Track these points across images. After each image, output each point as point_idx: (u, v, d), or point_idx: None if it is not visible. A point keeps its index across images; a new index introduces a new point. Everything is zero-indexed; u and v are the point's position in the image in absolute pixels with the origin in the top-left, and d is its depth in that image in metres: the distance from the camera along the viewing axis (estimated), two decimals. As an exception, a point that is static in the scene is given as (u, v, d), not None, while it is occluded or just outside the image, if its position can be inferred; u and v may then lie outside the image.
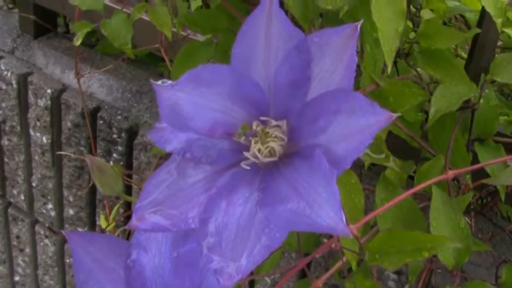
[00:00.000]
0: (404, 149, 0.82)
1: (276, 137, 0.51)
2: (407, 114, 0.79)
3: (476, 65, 0.83)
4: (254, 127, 0.52)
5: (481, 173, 0.80)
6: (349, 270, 0.76)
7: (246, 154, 0.52)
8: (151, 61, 1.40)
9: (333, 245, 0.65)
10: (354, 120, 0.48)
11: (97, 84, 1.27)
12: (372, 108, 0.47)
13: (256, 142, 0.52)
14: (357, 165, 0.98)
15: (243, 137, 0.52)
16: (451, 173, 0.70)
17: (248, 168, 0.52)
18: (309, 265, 1.00)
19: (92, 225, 1.38)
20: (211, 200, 0.51)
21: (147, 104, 1.21)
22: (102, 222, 1.14)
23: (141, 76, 1.27)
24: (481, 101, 0.80)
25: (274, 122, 0.52)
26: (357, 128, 0.47)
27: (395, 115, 0.46)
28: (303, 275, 1.05)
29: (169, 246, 0.56)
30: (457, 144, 0.76)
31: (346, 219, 0.45)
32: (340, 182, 0.68)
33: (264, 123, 0.52)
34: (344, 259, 0.72)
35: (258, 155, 0.51)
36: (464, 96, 0.77)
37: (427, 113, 0.81)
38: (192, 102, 0.50)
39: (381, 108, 0.46)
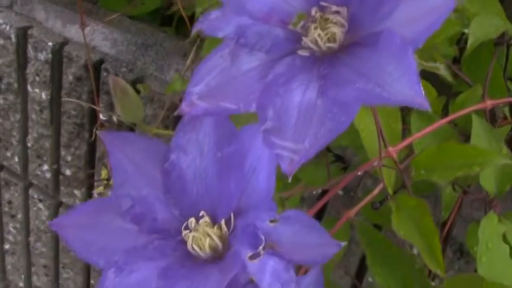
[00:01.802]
0: (435, 85, 0.80)
1: (336, 22, 0.48)
2: (440, 46, 0.77)
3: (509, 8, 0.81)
4: (313, 13, 0.49)
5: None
6: (381, 202, 0.73)
7: (304, 40, 0.49)
8: (154, 20, 1.37)
9: (375, 163, 0.63)
10: (423, 0, 0.45)
11: (100, 37, 1.23)
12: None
13: (315, 28, 0.49)
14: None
15: (300, 25, 0.49)
16: (489, 103, 0.68)
17: (306, 54, 0.49)
18: (323, 212, 0.97)
19: (90, 186, 1.33)
20: (269, 86, 0.48)
21: (152, 57, 1.18)
22: (102, 174, 1.11)
23: (146, 30, 1.23)
24: (516, 36, 0.78)
25: (334, 8, 0.49)
26: (428, 8, 0.45)
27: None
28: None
29: (212, 146, 0.53)
30: (495, 75, 0.74)
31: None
32: (378, 108, 0.65)
33: (322, 9, 0.49)
34: (376, 191, 0.69)
35: (318, 39, 0.48)
36: (502, 28, 0.75)
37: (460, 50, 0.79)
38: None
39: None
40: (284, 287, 0.48)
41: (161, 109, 1.11)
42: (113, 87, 0.69)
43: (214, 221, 0.53)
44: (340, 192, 0.95)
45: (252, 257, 0.48)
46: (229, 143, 0.52)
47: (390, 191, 0.65)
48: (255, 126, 0.50)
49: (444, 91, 0.81)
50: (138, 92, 1.02)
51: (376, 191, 0.68)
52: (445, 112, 0.79)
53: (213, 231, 0.52)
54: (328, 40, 0.48)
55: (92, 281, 1.47)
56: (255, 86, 0.48)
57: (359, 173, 0.62)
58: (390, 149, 0.63)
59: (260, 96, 0.47)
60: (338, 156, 0.84)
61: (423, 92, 0.42)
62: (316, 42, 0.48)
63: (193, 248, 0.52)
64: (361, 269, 0.99)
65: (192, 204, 0.53)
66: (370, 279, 0.98)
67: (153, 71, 1.16)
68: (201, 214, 0.53)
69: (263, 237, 0.48)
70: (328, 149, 0.84)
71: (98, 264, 0.53)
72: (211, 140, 0.53)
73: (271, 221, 0.49)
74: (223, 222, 0.52)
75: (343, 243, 0.47)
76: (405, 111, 0.75)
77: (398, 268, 0.65)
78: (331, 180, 0.73)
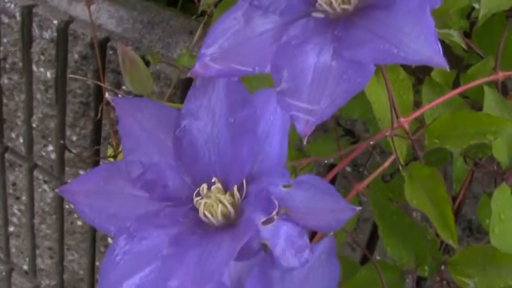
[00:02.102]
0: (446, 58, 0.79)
1: (351, -16, 0.48)
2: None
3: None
4: (328, -25, 0.48)
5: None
6: (391, 175, 0.73)
7: (319, 2, 0.48)
8: (159, 0, 1.36)
9: (387, 133, 0.62)
10: None
11: (106, 16, 1.22)
12: None
13: (330, -11, 0.48)
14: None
15: (314, -13, 0.49)
16: (501, 75, 0.67)
17: (321, 17, 0.48)
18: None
19: (96, 165, 1.33)
20: (283, 48, 0.47)
21: (159, 35, 1.17)
22: (109, 152, 1.10)
23: (152, 7, 1.22)
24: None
25: (349, -31, 0.48)
26: None
27: None
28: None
29: (225, 111, 0.52)
30: (507, 47, 0.73)
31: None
32: (388, 79, 0.64)
33: (337, -29, 0.48)
34: (386, 164, 0.68)
35: (333, 1, 0.47)
36: (514, -1, 0.74)
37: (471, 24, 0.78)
38: None
39: None
40: (298, 252, 0.47)
41: (168, 87, 1.11)
42: (122, 57, 0.68)
43: (226, 188, 0.52)
44: (349, 169, 0.94)
45: (265, 222, 0.47)
46: (242, 108, 0.51)
47: (402, 161, 0.64)
48: (268, 91, 0.50)
49: (455, 65, 0.80)
50: (147, 65, 1.02)
51: (386, 164, 0.67)
52: (456, 86, 0.78)
53: (225, 198, 0.51)
54: (343, 2, 0.48)
55: (97, 263, 1.47)
56: (268, 48, 0.47)
57: (371, 143, 0.61)
58: (402, 119, 0.62)
59: (274, 58, 0.46)
60: (348, 131, 0.84)
61: (441, 51, 0.41)
62: (330, 4, 0.48)
63: (205, 215, 0.51)
64: (370, 247, 0.99)
65: (203, 171, 0.53)
66: (378, 257, 0.98)
67: (159, 49, 1.15)
68: (213, 181, 0.52)
69: (276, 202, 0.47)
70: (338, 123, 0.83)
71: (108, 230, 0.53)
72: (224, 105, 0.52)
73: (285, 186, 0.48)
74: (235, 188, 0.51)
75: (358, 208, 0.46)
76: (415, 87, 0.74)
77: (410, 239, 0.64)
78: (341, 151, 0.72)
